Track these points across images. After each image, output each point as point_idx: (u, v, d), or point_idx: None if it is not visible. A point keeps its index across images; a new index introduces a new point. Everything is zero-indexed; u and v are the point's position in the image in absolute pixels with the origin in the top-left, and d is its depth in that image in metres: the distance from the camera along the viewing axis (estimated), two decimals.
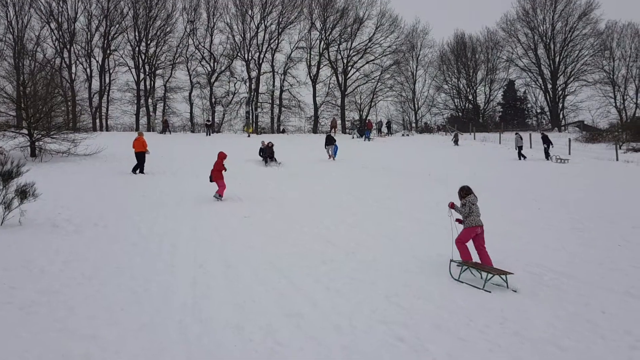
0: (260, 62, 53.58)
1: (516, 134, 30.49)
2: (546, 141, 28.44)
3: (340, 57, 54.82)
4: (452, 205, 9.51)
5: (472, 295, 7.87)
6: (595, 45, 55.27)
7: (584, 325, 6.73)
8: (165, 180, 18.39)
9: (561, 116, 57.17)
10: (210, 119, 48.50)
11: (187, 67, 52.80)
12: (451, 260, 9.16)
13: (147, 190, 16.36)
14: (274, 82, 54.44)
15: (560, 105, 57.26)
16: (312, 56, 54.41)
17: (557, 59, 56.44)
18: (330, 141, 27.59)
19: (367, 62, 55.36)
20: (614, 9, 53.63)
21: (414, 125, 58.52)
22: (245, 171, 21.33)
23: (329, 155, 27.15)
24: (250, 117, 52.24)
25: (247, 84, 53.84)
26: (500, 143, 36.37)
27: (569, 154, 29.53)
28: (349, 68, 55.07)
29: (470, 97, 59.99)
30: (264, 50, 53.38)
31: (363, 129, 42.95)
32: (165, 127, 44.17)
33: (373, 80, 55.74)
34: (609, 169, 23.85)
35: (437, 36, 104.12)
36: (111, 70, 51.17)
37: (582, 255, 10.02)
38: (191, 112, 53.61)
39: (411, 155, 29.16)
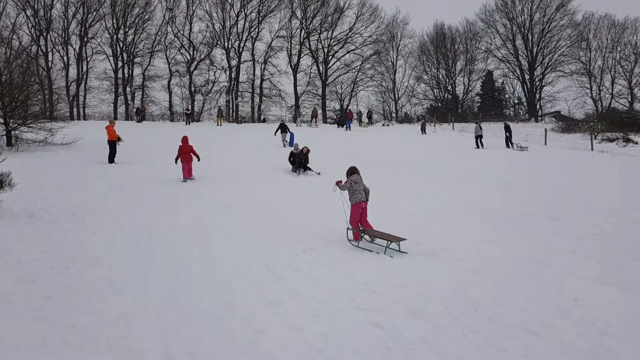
0: (241, 50, 53.21)
1: (477, 123, 31.14)
2: (508, 130, 29.28)
3: (321, 47, 54.74)
4: (338, 183, 10.62)
5: (448, 282, 8.02)
6: (572, 37, 56.11)
7: (556, 312, 6.91)
8: (144, 170, 18.25)
9: (538, 107, 57.97)
10: (190, 108, 48.08)
11: (166, 55, 52.26)
12: (348, 229, 10.29)
13: (125, 180, 16.24)
14: (254, 71, 54.28)
15: (538, 96, 58.06)
16: (292, 45, 54.28)
17: (534, 50, 57.12)
18: (284, 129, 28.12)
19: (348, 52, 55.42)
20: (591, 1, 54.25)
21: (394, 115, 58.75)
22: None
23: (284, 143, 27.46)
24: (230, 105, 51.96)
25: (227, 73, 53.51)
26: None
27: (545, 144, 29.97)
28: (330, 57, 55.03)
29: (449, 88, 60.39)
30: (244, 38, 53.04)
31: (344, 118, 43.02)
32: (140, 114, 43.63)
33: (354, 70, 55.84)
34: (567, 156, 24.29)
35: (417, 27, 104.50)
36: (88, 59, 50.36)
37: (557, 244, 10.24)
38: (170, 101, 53.11)
39: (389, 145, 29.31)
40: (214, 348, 5.76)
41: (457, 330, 6.33)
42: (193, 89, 53.04)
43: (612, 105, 54.70)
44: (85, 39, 49.27)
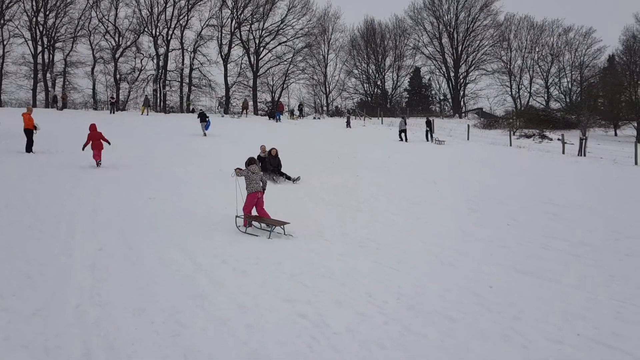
0: (169, 38, 51.84)
1: (402, 118, 32.49)
2: (429, 125, 30.68)
3: (252, 37, 54.20)
4: (237, 170, 10.94)
5: (373, 271, 8.22)
6: (495, 36, 58.81)
7: (473, 299, 7.25)
8: (64, 160, 17.41)
9: (462, 103, 60.35)
10: (115, 96, 46.26)
11: (90, 41, 50.07)
12: (237, 216, 10.71)
13: (43, 170, 15.44)
14: (183, 59, 52.96)
15: (462, 93, 60.42)
16: (223, 35, 53.37)
17: (459, 48, 59.30)
18: (203, 118, 28.32)
19: (280, 44, 55.22)
20: (512, 2, 57.10)
21: (325, 108, 59.22)
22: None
23: (204, 132, 27.76)
24: (158, 95, 50.50)
25: (155, 61, 51.95)
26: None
27: (468, 139, 31.23)
28: (261, 49, 54.63)
29: (379, 83, 61.58)
30: (172, 26, 51.68)
31: (274, 110, 43.00)
32: (55, 102, 41.59)
33: (285, 62, 55.72)
34: (487, 151, 25.52)
35: (348, 21, 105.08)
36: (5, 42, 47.28)
37: (475, 234, 10.72)
38: (94, 89, 50.98)
39: (319, 138, 29.57)
40: (136, 342, 5.63)
41: (380, 318, 6.52)
42: (118, 76, 51.16)
43: (529, 103, 57.88)
44: (2, 21, 46.20)
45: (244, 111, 45.66)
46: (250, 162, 11.02)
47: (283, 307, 6.77)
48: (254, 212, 10.90)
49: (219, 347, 5.62)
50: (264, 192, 10.96)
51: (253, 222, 10.78)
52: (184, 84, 53.38)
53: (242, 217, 10.75)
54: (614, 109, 38.10)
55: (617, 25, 70.90)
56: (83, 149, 16.77)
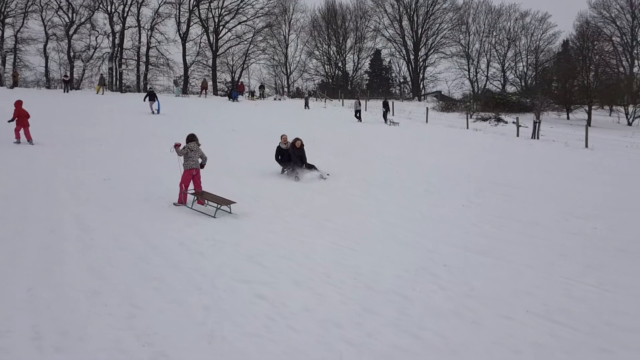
0: (125, 15, 50.20)
1: (357, 99, 33.24)
2: (385, 106, 31.30)
3: (211, 16, 53.03)
4: (177, 146, 10.78)
5: (331, 252, 8.30)
6: (454, 20, 59.40)
7: (428, 278, 7.41)
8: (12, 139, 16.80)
9: (421, 86, 60.93)
10: (69, 75, 44.67)
11: (42, 17, 47.92)
12: (188, 193, 10.77)
13: None
14: (139, 37, 51.49)
15: (421, 76, 60.97)
16: (181, 13, 52.09)
17: (419, 31, 59.69)
18: (152, 97, 28.35)
19: (240, 23, 54.26)
20: None
21: (286, 89, 58.84)
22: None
23: (152, 111, 27.70)
24: (114, 74, 49.11)
25: (110, 39, 50.33)
26: (366, 110, 37.91)
27: (427, 122, 31.61)
28: (221, 28, 53.61)
29: (340, 65, 61.49)
30: (128, 3, 50.02)
31: (235, 91, 42.55)
32: (15, 81, 40.03)
33: (245, 42, 54.90)
34: (445, 133, 25.99)
35: (309, 1, 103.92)
36: None
37: (431, 215, 10.93)
38: (46, 67, 49.03)
39: (279, 119, 29.42)
40: (89, 325, 5.54)
41: (338, 297, 6.61)
42: (72, 54, 49.31)
43: (487, 87, 58.90)
44: None
45: (203, 91, 44.93)
46: (190, 139, 10.96)
47: (241, 288, 6.77)
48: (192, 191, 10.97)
49: (174, 328, 5.59)
50: (202, 168, 11.02)
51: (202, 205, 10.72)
52: (141, 62, 52.03)
53: (189, 193, 10.79)
54: (566, 93, 39.11)
55: (572, 11, 72.57)
56: (9, 122, 16.69)
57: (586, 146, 21.90)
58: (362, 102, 34.12)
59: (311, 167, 14.05)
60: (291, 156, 14.07)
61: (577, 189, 13.67)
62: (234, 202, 10.30)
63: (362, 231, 9.61)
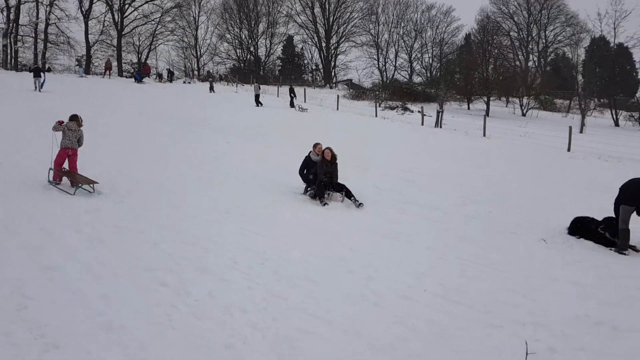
0: None
1: (255, 82, 34.28)
2: (292, 92, 32.13)
3: None
4: (60, 123, 10.70)
5: (239, 238, 8.23)
6: (364, 9, 60.54)
7: (337, 262, 7.52)
8: None
9: (333, 74, 61.65)
10: None
11: None
12: (50, 169, 10.60)
13: None
14: (37, 13, 48.00)
15: (333, 64, 61.71)
16: None
17: (331, 19, 60.26)
18: (37, 73, 27.52)
19: (147, 2, 52.32)
20: None
21: (196, 72, 57.33)
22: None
23: (35, 87, 26.99)
24: (8, 51, 45.50)
25: (5, 14, 46.70)
26: (278, 96, 37.89)
27: (337, 109, 32.06)
28: (127, 6, 51.29)
29: (252, 49, 60.78)
30: None
31: (140, 72, 40.85)
32: None
33: (153, 22, 52.89)
34: (354, 121, 26.61)
35: None
36: None
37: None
38: None
39: (188, 103, 28.69)
40: None
41: (244, 283, 6.57)
42: None
43: (395, 77, 60.64)
44: None
45: (107, 72, 42.77)
46: (71, 118, 10.84)
47: (143, 276, 6.55)
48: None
49: (69, 319, 5.30)
50: (76, 150, 10.80)
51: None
52: (38, 40, 48.57)
53: (53, 170, 10.60)
54: (468, 85, 41.17)
55: (474, 5, 76.16)
56: None
57: (484, 135, 23.16)
58: (262, 86, 34.98)
59: (341, 188, 11.05)
60: (317, 172, 11.12)
61: (475, 175, 14.43)
62: (96, 182, 10.18)
63: (270, 216, 9.61)
